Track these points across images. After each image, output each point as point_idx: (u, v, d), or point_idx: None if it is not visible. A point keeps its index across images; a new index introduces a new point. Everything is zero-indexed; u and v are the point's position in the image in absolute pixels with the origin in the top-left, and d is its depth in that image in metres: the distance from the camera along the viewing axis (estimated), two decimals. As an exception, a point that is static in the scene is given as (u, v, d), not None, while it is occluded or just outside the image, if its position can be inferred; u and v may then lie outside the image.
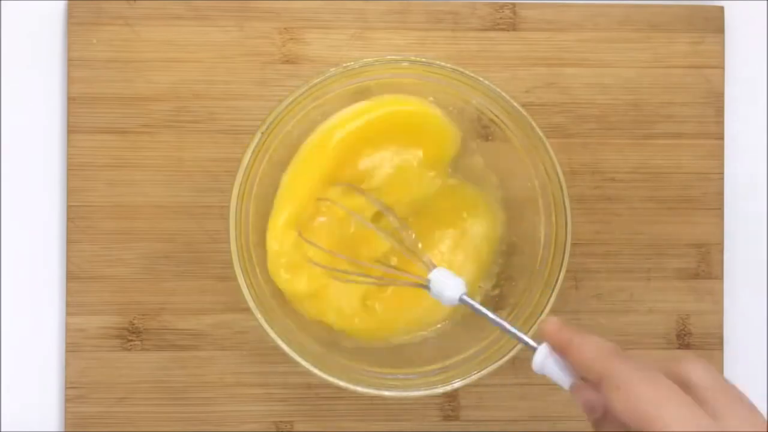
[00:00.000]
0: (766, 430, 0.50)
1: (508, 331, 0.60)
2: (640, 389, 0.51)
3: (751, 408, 0.52)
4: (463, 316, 0.73)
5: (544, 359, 0.57)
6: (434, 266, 0.65)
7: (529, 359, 0.76)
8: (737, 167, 0.80)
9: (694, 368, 0.53)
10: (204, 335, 0.76)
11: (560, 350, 0.56)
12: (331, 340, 0.71)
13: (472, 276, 0.73)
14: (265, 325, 0.67)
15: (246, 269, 0.67)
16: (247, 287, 0.67)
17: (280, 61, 0.77)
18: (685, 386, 0.52)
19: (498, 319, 0.61)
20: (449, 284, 0.64)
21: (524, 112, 0.68)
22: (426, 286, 0.65)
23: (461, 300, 0.63)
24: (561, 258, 0.68)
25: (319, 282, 0.71)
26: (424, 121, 0.72)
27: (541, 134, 0.68)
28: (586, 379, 0.55)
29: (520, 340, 0.59)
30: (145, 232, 0.76)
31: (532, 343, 0.58)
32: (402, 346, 0.73)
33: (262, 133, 0.67)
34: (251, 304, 0.67)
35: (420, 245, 0.71)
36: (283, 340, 0.67)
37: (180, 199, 0.76)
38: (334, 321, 0.72)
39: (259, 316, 0.67)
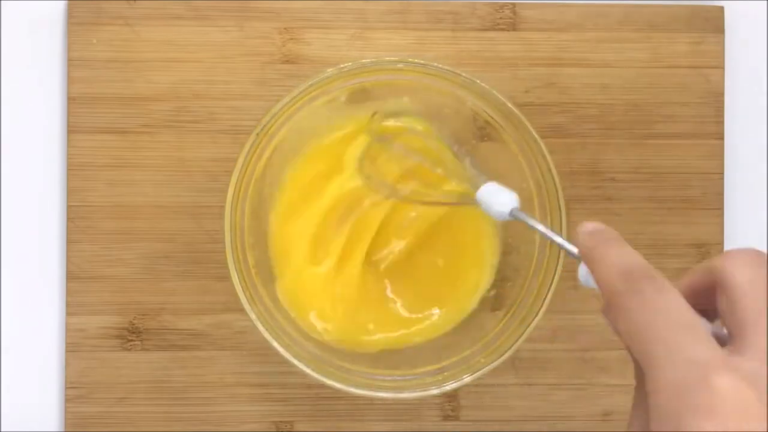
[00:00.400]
0: None
1: (556, 241, 0.57)
2: (638, 318, 0.43)
3: None
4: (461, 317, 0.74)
5: (588, 273, 0.51)
6: (485, 181, 0.63)
7: (529, 358, 0.77)
8: (737, 167, 0.79)
9: (734, 266, 0.44)
10: (204, 335, 0.76)
11: (586, 262, 0.50)
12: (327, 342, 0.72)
13: (477, 277, 0.73)
14: (260, 326, 0.67)
15: (241, 270, 0.68)
16: (243, 289, 0.67)
17: (280, 61, 0.77)
18: (722, 287, 0.44)
19: (546, 230, 0.58)
20: (500, 197, 0.62)
21: (518, 113, 0.68)
22: (474, 202, 0.63)
23: (512, 214, 0.61)
24: (557, 258, 0.68)
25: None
26: None
27: (535, 135, 0.68)
28: None
29: (567, 250, 0.55)
30: (145, 232, 0.76)
31: (577, 255, 0.53)
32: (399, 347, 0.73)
33: (257, 134, 0.67)
34: (246, 306, 0.67)
35: (468, 161, 0.68)
36: (277, 342, 0.67)
37: (180, 199, 0.76)
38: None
39: (253, 316, 0.67)
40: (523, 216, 0.61)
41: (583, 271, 0.52)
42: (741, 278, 0.44)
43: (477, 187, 0.64)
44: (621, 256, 0.47)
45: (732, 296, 0.44)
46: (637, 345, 0.43)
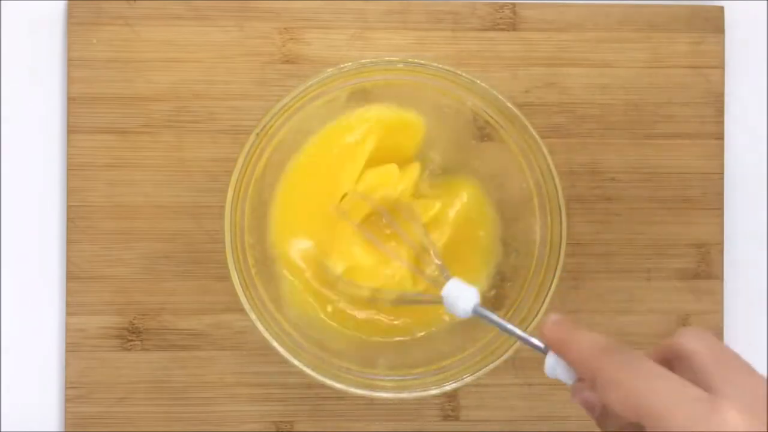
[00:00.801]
0: (765, 393, 0.49)
1: (521, 338, 0.59)
2: (631, 384, 0.50)
3: (750, 372, 0.50)
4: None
5: (554, 364, 0.56)
6: (448, 277, 0.64)
7: (529, 358, 0.77)
8: (737, 167, 0.79)
9: (688, 339, 0.52)
10: (204, 335, 0.76)
11: (557, 350, 0.56)
12: (326, 342, 0.71)
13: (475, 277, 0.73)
14: (260, 326, 0.67)
15: (241, 270, 0.68)
16: (242, 288, 0.67)
17: (280, 61, 0.77)
18: (682, 359, 0.51)
19: (509, 326, 0.60)
20: (462, 296, 0.63)
21: (519, 113, 0.68)
22: (439, 302, 0.64)
23: (475, 311, 0.62)
24: (556, 258, 0.68)
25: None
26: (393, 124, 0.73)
27: (535, 135, 0.68)
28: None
29: (532, 346, 0.58)
30: (145, 232, 0.76)
31: (543, 348, 0.57)
32: (399, 347, 0.73)
33: (257, 134, 0.67)
34: (246, 306, 0.67)
35: (435, 254, 0.69)
36: (277, 342, 0.67)
37: (180, 199, 0.76)
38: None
39: (253, 316, 0.67)
40: (486, 313, 0.62)
41: (550, 362, 0.56)
42: (696, 346, 0.51)
43: (440, 284, 0.64)
44: (591, 338, 0.54)
45: (693, 361, 0.51)
46: (634, 406, 0.49)
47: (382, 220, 0.72)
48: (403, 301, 0.71)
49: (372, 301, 0.71)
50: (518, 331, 0.60)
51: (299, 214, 0.72)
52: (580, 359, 0.53)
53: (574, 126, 0.78)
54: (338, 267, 0.71)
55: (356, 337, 0.72)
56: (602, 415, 0.55)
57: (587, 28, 0.78)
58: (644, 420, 0.49)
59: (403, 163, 0.73)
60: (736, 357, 0.51)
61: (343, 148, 0.72)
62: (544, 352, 0.57)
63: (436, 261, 0.68)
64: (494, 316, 0.62)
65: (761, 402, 0.48)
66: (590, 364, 0.52)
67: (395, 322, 0.73)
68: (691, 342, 0.51)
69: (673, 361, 0.52)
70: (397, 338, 0.73)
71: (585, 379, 0.54)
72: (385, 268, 0.71)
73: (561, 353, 0.55)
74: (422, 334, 0.73)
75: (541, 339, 0.57)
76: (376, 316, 0.73)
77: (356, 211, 0.71)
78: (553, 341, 0.56)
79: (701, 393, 0.48)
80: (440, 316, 0.72)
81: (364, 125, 0.71)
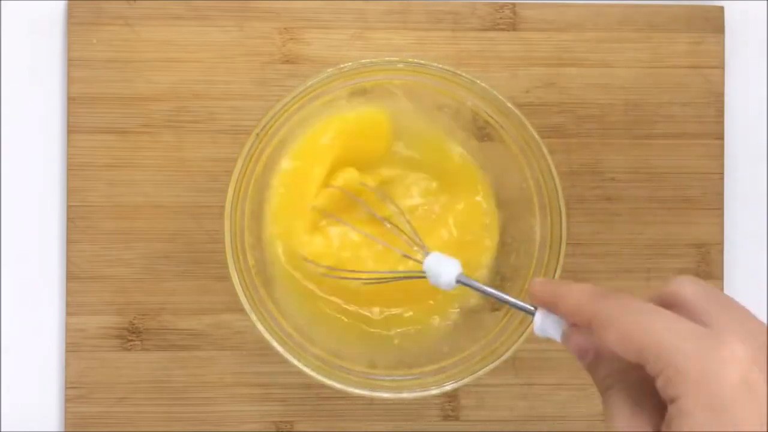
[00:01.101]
0: (764, 331, 0.49)
1: (506, 301, 0.60)
2: (629, 321, 0.49)
3: (744, 312, 0.50)
4: (462, 315, 0.74)
5: (542, 321, 0.56)
6: (427, 253, 0.64)
7: (529, 358, 0.77)
8: (737, 167, 0.79)
9: (682, 285, 0.51)
10: (204, 335, 0.76)
11: (550, 307, 0.56)
12: (325, 341, 0.71)
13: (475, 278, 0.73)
14: (260, 326, 0.67)
15: (241, 270, 0.67)
16: (243, 289, 0.67)
17: (280, 61, 0.77)
18: (678, 306, 0.50)
19: (495, 291, 0.60)
20: (444, 268, 0.63)
21: (518, 113, 0.68)
22: (422, 276, 0.64)
23: (459, 281, 0.62)
24: (556, 258, 0.68)
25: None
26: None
27: (535, 135, 0.68)
28: (578, 325, 0.54)
29: (518, 307, 0.58)
30: (145, 232, 0.76)
31: (530, 308, 0.57)
32: (399, 346, 0.73)
33: (257, 134, 0.67)
34: (246, 306, 0.67)
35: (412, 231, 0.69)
36: (277, 342, 0.67)
37: (180, 199, 0.76)
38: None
39: (253, 317, 0.67)
40: (470, 281, 0.62)
41: (538, 320, 0.57)
42: (691, 291, 0.51)
43: (420, 259, 0.65)
44: (582, 286, 0.54)
45: (690, 305, 0.50)
46: (635, 343, 0.49)
47: (357, 209, 0.72)
48: (385, 280, 0.70)
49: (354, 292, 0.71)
50: (504, 296, 0.60)
51: (289, 214, 0.72)
52: (574, 306, 0.53)
53: (574, 126, 0.78)
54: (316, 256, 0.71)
55: (356, 335, 0.73)
56: (594, 360, 0.54)
57: (587, 28, 0.78)
58: (646, 356, 0.48)
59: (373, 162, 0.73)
60: (733, 301, 0.51)
61: (316, 151, 0.72)
62: (532, 313, 0.57)
63: (415, 238, 0.68)
64: (478, 284, 0.62)
65: (762, 339, 0.48)
66: (585, 308, 0.52)
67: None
68: (686, 288, 0.51)
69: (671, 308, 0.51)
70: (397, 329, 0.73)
71: (579, 325, 0.54)
72: (367, 254, 0.72)
73: (553, 308, 0.55)
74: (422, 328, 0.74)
75: (528, 301, 0.57)
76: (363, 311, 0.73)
77: (331, 205, 0.71)
78: (545, 297, 0.56)
79: (703, 329, 0.48)
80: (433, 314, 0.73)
81: (331, 127, 0.72)
